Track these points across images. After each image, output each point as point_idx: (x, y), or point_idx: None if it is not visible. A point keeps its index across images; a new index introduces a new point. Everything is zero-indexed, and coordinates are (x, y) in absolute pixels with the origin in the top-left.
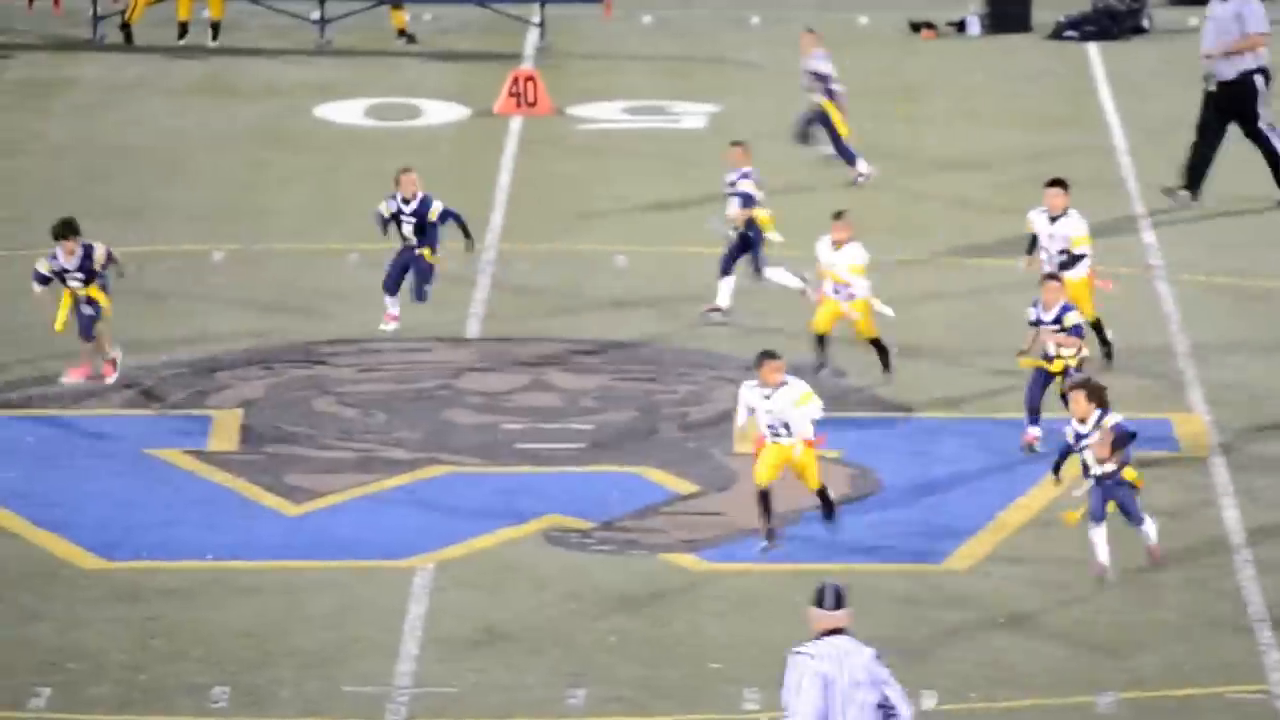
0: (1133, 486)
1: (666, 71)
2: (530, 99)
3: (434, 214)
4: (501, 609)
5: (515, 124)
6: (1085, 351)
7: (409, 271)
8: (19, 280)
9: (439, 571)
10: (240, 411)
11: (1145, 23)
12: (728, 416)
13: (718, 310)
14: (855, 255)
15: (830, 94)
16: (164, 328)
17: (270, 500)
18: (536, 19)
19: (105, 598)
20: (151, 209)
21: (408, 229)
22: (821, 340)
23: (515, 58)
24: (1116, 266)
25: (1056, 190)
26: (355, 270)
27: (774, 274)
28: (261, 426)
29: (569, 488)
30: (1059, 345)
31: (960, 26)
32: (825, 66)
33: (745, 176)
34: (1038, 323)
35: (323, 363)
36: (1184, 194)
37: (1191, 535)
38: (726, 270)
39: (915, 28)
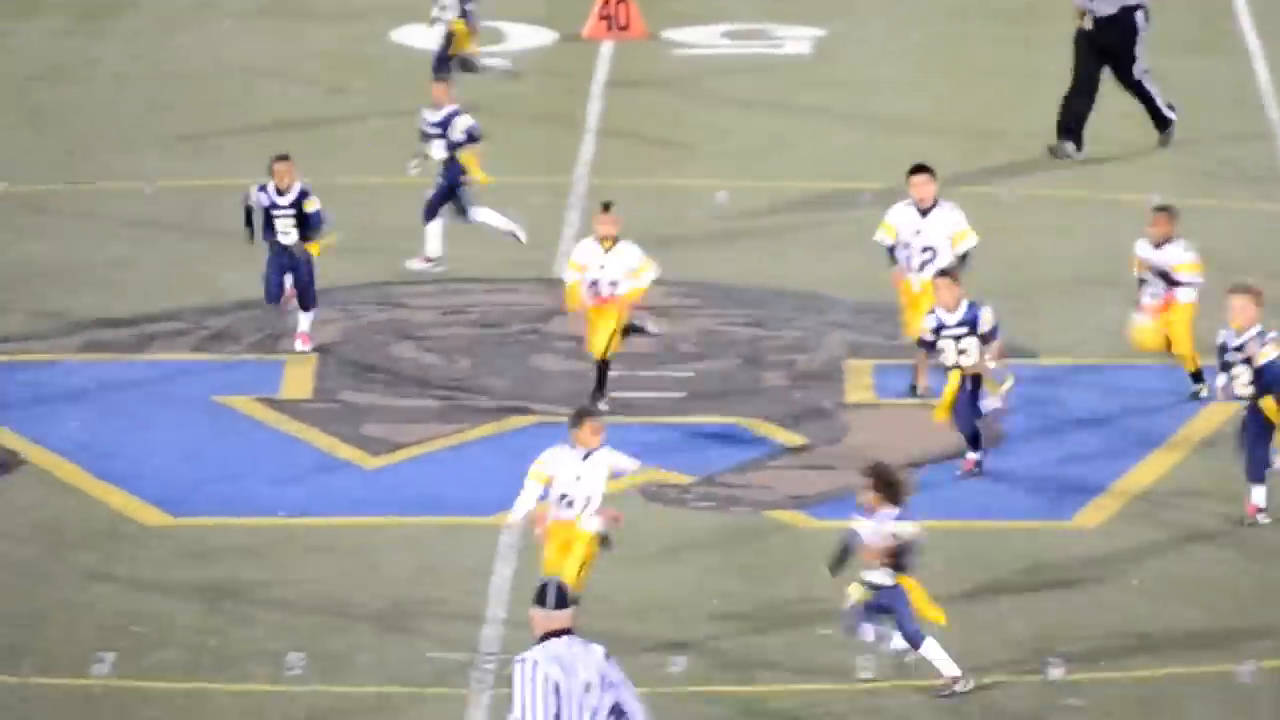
0: (905, 595)
1: None
2: (622, 22)
3: (310, 205)
4: (595, 568)
5: (606, 49)
6: (990, 360)
7: (289, 274)
8: (78, 218)
9: (528, 529)
10: (315, 357)
11: None
12: (838, 365)
13: (430, 260)
14: (631, 257)
15: (465, 14)
16: (233, 267)
17: (346, 452)
18: None
19: (171, 557)
20: (218, 140)
21: (284, 224)
22: (603, 369)
23: None
24: (1256, 203)
25: (924, 178)
26: None
27: (482, 215)
28: (337, 373)
29: (667, 440)
30: (959, 352)
31: None
32: None
33: (457, 114)
34: (938, 329)
35: (402, 305)
36: (1069, 146)
37: None
38: (431, 216)
39: None
